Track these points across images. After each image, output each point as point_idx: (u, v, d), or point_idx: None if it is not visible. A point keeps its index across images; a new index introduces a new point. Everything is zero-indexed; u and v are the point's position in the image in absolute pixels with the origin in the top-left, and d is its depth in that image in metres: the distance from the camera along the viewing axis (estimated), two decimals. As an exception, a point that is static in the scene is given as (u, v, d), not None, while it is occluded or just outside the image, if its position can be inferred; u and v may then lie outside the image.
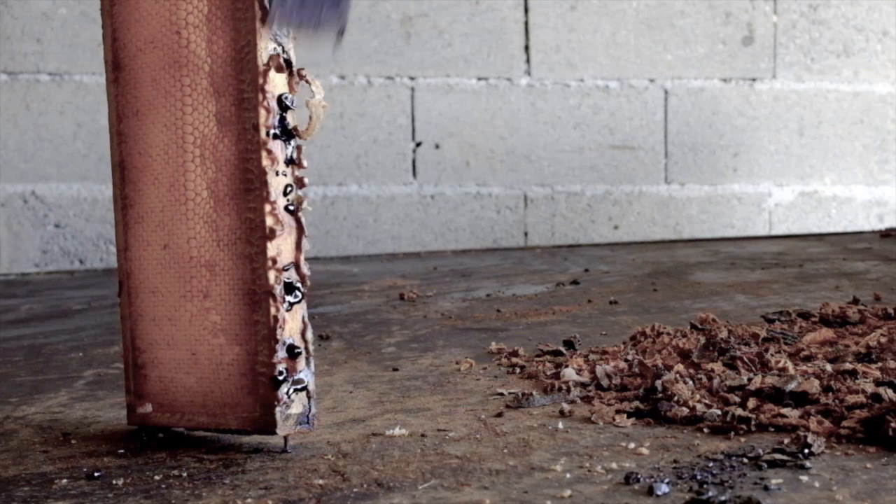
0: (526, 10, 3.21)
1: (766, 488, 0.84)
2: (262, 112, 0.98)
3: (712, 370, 1.20)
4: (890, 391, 1.03)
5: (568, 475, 0.90)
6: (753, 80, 3.35)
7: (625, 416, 1.07)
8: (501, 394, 1.22)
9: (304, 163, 1.00)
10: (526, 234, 3.25)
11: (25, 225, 2.98)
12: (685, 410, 1.05)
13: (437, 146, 3.19)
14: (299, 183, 1.00)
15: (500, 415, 1.12)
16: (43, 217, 2.99)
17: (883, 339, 1.32)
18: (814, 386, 1.07)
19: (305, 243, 1.00)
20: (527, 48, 3.22)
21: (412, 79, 3.16)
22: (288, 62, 0.99)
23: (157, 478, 0.95)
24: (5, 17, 2.95)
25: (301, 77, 0.99)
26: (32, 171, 2.97)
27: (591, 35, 3.25)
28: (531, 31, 3.22)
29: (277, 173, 0.99)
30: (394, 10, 3.14)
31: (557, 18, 3.23)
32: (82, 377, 1.47)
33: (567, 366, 1.29)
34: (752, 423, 1.00)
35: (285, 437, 1.01)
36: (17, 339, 1.86)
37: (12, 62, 2.96)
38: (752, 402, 1.06)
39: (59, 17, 2.97)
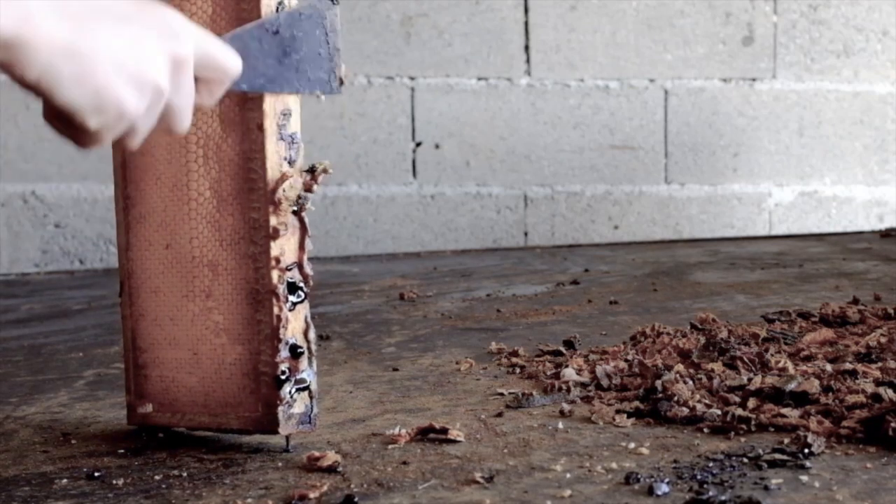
0: (526, 10, 3.21)
1: (766, 488, 0.84)
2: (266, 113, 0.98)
3: (712, 370, 1.20)
4: (890, 391, 1.03)
5: (568, 475, 0.90)
6: (753, 80, 3.35)
7: (625, 416, 1.07)
8: (501, 394, 1.22)
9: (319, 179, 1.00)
10: (526, 234, 3.25)
11: (25, 225, 2.98)
12: (685, 410, 1.05)
13: (437, 146, 3.19)
14: (307, 187, 1.00)
15: (500, 415, 1.12)
16: (43, 217, 2.99)
17: (883, 339, 1.33)
18: (814, 386, 1.07)
19: (308, 243, 1.00)
20: (527, 48, 3.22)
21: (412, 79, 3.16)
22: None
23: (157, 478, 0.95)
24: (5, 17, 2.95)
25: None
26: (32, 171, 2.97)
27: (591, 35, 3.25)
28: (531, 31, 3.22)
29: (281, 173, 0.99)
30: (394, 10, 3.14)
31: (557, 18, 3.23)
32: (82, 377, 1.47)
33: (567, 366, 1.29)
34: (752, 423, 1.00)
35: (287, 437, 1.01)
36: (17, 339, 1.86)
37: (12, 62, 2.96)
38: (752, 402, 1.06)
39: (60, 17, 2.97)
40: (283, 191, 0.97)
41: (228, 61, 0.82)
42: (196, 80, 0.80)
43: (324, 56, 0.94)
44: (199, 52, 0.79)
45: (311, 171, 0.99)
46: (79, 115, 0.71)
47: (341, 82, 0.96)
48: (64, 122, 0.72)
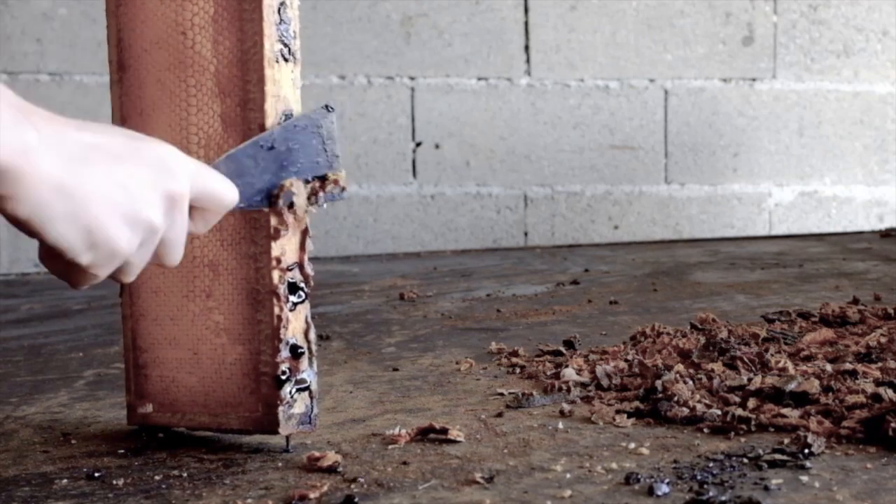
0: (526, 10, 3.21)
1: (766, 488, 0.84)
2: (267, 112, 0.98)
3: (712, 370, 1.20)
4: (890, 391, 1.03)
5: (568, 475, 0.90)
6: (753, 80, 3.36)
7: (625, 416, 1.07)
8: (501, 394, 1.22)
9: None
10: (526, 234, 3.25)
11: (25, 225, 2.98)
12: (685, 410, 1.05)
13: (437, 146, 3.19)
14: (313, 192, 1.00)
15: (500, 415, 1.12)
16: (43, 217, 2.99)
17: (883, 339, 1.33)
18: (814, 386, 1.07)
19: (309, 243, 1.00)
20: (527, 48, 3.22)
21: (412, 79, 3.16)
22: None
23: (157, 478, 0.95)
24: (5, 17, 2.95)
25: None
26: (32, 170, 2.97)
27: (591, 35, 3.25)
28: (531, 31, 3.22)
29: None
30: (394, 10, 3.14)
31: (557, 18, 3.23)
32: (82, 377, 1.47)
33: (567, 366, 1.29)
34: (752, 423, 1.00)
35: (287, 437, 1.01)
36: (17, 339, 1.86)
37: (12, 62, 2.96)
38: (752, 402, 1.06)
39: (59, 17, 2.97)
40: (289, 198, 0.97)
41: (225, 193, 0.83)
42: (191, 208, 0.81)
43: (322, 165, 0.95)
44: (196, 188, 0.80)
45: (323, 179, 0.99)
46: (70, 252, 0.71)
47: (342, 189, 0.97)
48: (57, 260, 0.73)
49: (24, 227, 0.69)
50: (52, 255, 0.73)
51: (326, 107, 0.98)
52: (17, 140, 0.65)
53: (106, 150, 0.72)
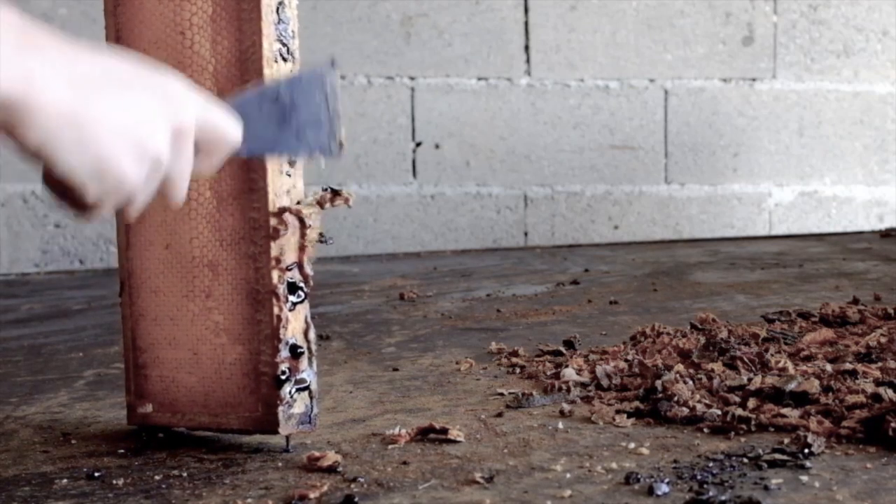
0: (526, 10, 3.21)
1: (766, 488, 0.84)
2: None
3: (712, 370, 1.20)
4: (890, 391, 1.03)
5: (568, 475, 0.90)
6: (753, 80, 3.35)
7: (625, 416, 1.07)
8: (501, 394, 1.22)
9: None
10: (526, 234, 3.25)
11: (25, 225, 2.98)
12: (685, 410, 1.05)
13: (437, 146, 3.19)
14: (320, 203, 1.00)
15: (500, 415, 1.12)
16: (43, 217, 2.99)
17: (883, 339, 1.33)
18: (814, 386, 1.07)
19: (313, 248, 1.00)
20: (527, 48, 3.22)
21: (412, 79, 3.16)
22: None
23: (157, 478, 0.95)
24: (5, 17, 2.95)
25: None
26: (32, 171, 2.97)
27: (591, 35, 3.25)
28: (531, 31, 3.22)
29: (281, 173, 0.99)
30: (394, 10, 3.14)
31: (557, 18, 3.23)
32: (82, 377, 1.47)
33: (567, 366, 1.29)
34: (752, 423, 1.00)
35: (287, 437, 1.01)
36: (17, 339, 1.86)
37: (12, 62, 2.96)
38: (752, 402, 1.06)
39: (59, 17, 2.97)
40: (310, 226, 0.98)
41: (229, 130, 0.81)
42: (196, 147, 0.79)
43: (324, 120, 0.95)
44: (201, 121, 0.78)
45: (336, 192, 1.00)
46: (78, 183, 0.69)
47: (341, 146, 0.96)
48: (62, 190, 0.71)
49: (34, 156, 0.67)
50: (56, 185, 0.71)
51: (332, 61, 0.96)
52: (20, 68, 0.63)
53: (114, 77, 0.70)
